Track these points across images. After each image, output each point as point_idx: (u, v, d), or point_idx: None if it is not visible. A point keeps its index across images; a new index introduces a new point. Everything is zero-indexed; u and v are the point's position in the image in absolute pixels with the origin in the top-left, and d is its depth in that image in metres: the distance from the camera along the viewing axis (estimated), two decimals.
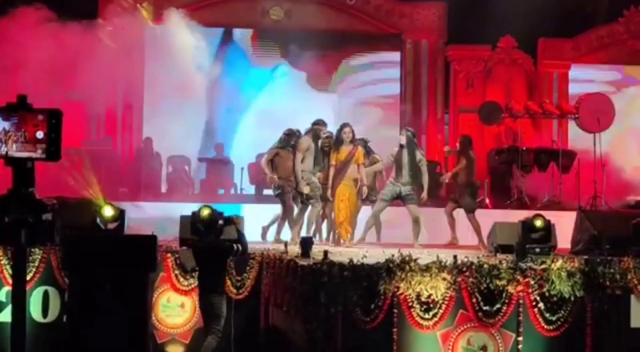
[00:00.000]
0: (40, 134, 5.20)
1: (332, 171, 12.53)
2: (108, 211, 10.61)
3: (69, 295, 9.91)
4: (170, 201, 15.20)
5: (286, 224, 13.01)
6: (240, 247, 10.02)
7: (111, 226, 10.60)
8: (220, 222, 10.15)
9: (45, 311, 10.47)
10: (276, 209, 13.42)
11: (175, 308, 10.76)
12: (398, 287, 9.23)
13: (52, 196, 12.01)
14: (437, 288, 9.24)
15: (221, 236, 10.15)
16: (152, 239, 9.93)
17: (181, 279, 10.71)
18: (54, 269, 10.46)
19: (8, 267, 10.22)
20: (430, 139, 19.34)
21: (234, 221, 10.23)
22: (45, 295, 10.47)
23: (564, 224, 12.17)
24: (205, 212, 10.72)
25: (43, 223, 5.17)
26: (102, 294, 9.50)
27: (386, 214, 13.18)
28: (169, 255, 10.68)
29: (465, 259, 9.51)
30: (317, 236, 13.09)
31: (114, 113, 18.39)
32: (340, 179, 12.45)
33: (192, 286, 10.67)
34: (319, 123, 12.93)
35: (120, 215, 10.74)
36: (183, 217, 11.16)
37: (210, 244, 10.05)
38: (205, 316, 10.06)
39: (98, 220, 10.58)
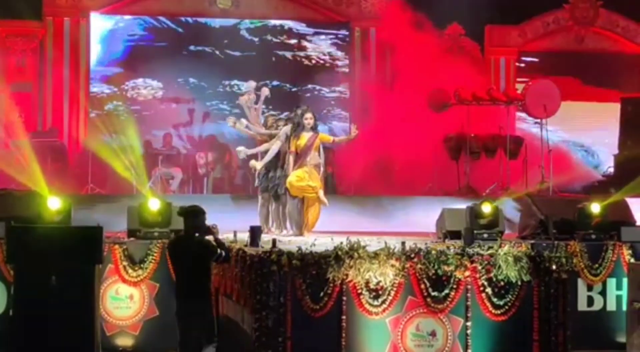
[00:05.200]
0: None
1: (291, 158, 12.01)
2: (54, 203, 10.49)
3: (14, 288, 9.78)
4: (117, 193, 15.09)
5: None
6: (224, 254, 9.13)
7: (57, 218, 10.48)
8: (197, 234, 9.10)
9: None
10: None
11: (124, 300, 10.68)
12: (347, 275, 9.24)
13: None
14: (386, 275, 9.26)
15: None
16: (98, 230, 9.83)
17: (129, 271, 10.63)
18: None
19: None
20: None
21: (212, 230, 9.23)
22: None
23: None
24: (155, 204, 10.73)
25: None
26: (48, 286, 9.41)
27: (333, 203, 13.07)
28: (116, 246, 10.58)
29: (414, 246, 9.54)
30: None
31: (60, 104, 18.27)
32: (299, 167, 12.04)
33: (141, 277, 10.61)
34: None
35: (66, 207, 10.63)
36: (130, 208, 11.09)
37: (193, 242, 9.03)
38: (184, 325, 8.95)
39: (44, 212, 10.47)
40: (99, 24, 19.03)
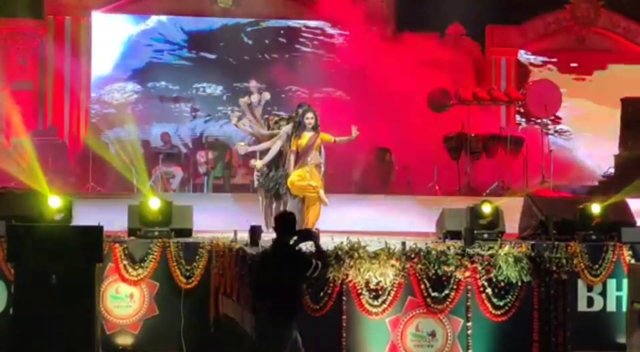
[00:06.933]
0: None
1: (292, 158, 11.81)
2: (54, 202, 10.49)
3: (14, 287, 9.79)
4: (118, 192, 15.08)
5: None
6: (320, 264, 8.24)
7: (58, 216, 10.49)
8: (295, 237, 8.33)
9: None
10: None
11: (124, 299, 10.68)
12: (347, 275, 9.25)
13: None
14: (386, 275, 9.27)
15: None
16: (99, 229, 9.84)
17: (130, 270, 10.64)
18: None
19: None
20: None
21: (312, 235, 8.57)
22: None
23: (513, 209, 12.25)
24: (155, 203, 10.74)
25: None
26: (49, 285, 9.42)
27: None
28: (117, 245, 10.58)
29: (414, 246, 9.54)
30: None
31: (61, 103, 18.29)
32: (300, 166, 11.98)
33: (141, 276, 10.61)
34: None
35: (67, 206, 10.64)
36: (131, 207, 11.10)
37: (287, 255, 8.19)
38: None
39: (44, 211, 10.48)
40: (120, 26, 19.15)
